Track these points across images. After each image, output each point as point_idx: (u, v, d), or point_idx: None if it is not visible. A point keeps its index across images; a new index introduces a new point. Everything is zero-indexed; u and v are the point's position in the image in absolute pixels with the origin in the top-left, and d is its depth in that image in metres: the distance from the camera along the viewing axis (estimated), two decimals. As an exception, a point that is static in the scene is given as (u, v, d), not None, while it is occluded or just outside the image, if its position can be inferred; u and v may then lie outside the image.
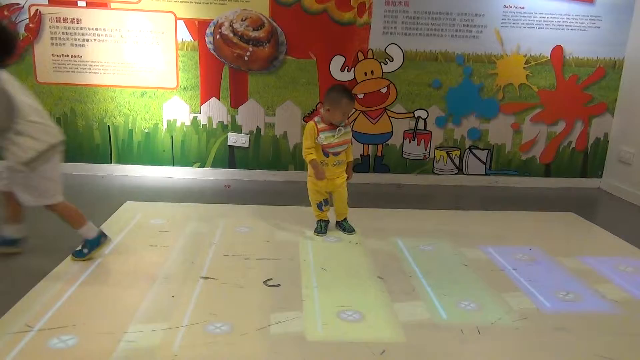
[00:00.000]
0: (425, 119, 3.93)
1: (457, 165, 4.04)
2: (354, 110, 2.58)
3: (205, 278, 2.20)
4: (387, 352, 1.72)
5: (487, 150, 4.02)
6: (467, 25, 3.77)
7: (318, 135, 2.63)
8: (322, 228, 2.80)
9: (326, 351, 1.72)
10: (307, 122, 3.84)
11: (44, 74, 3.67)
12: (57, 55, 3.64)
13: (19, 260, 2.31)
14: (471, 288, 2.23)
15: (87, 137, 3.82)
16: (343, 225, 2.85)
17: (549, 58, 3.86)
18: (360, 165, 3.97)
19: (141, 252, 2.46)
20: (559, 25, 3.80)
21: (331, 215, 2.88)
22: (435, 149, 3.99)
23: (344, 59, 3.77)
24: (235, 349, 1.71)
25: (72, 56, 3.65)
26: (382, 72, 3.81)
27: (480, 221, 3.17)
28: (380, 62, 3.79)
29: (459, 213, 3.32)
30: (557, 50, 3.84)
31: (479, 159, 4.03)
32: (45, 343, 1.69)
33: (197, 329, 1.80)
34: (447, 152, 4.01)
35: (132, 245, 2.54)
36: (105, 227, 2.73)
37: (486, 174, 4.07)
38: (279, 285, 2.17)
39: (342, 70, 3.79)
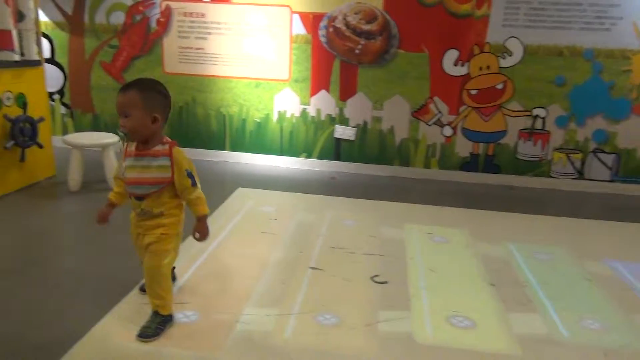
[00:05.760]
0: (543, 118, 3.67)
1: (579, 169, 3.73)
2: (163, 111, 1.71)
3: (314, 268, 2.25)
4: (501, 364, 1.64)
5: (614, 155, 3.67)
6: (600, 17, 3.45)
7: (124, 160, 1.72)
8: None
9: (436, 355, 1.68)
10: (414, 117, 3.81)
11: (171, 65, 3.96)
12: (183, 48, 3.91)
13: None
14: (595, 305, 2.06)
15: (205, 125, 4.07)
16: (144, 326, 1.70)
17: (698, 53, 3.42)
18: (468, 165, 3.83)
19: (253, 237, 2.58)
20: None
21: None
22: (553, 150, 3.72)
23: (458, 53, 3.63)
24: (345, 342, 1.72)
25: (195, 48, 3.89)
26: (499, 67, 3.62)
27: (603, 231, 2.91)
28: (497, 57, 3.60)
29: (579, 221, 3.06)
30: None
31: (605, 164, 3.69)
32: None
33: (307, 318, 1.85)
34: (567, 155, 3.71)
35: (245, 230, 2.67)
36: (220, 211, 2.91)
37: (611, 181, 3.72)
38: (386, 282, 2.16)
39: (455, 64, 3.65)
